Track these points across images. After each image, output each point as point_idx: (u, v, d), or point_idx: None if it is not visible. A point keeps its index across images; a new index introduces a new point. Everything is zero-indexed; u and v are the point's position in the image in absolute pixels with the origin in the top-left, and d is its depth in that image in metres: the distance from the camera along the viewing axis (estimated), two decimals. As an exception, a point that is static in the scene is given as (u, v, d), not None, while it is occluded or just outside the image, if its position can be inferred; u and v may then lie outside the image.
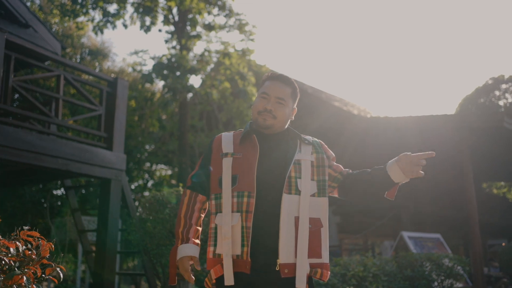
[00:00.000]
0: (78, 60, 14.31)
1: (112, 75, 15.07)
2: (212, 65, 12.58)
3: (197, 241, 2.18)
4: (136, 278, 11.09)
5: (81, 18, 11.85)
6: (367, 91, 54.95)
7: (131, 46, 27.55)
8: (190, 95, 12.00)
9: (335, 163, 2.29)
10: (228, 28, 12.95)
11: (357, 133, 12.53)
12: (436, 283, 7.41)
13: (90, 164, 5.60)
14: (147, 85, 13.60)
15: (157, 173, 17.79)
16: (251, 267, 2.01)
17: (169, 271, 2.18)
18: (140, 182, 17.02)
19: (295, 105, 2.30)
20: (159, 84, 14.66)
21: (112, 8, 11.82)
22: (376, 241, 19.65)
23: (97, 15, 13.99)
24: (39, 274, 2.31)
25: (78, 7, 11.21)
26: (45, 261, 2.36)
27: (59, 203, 11.89)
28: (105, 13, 11.43)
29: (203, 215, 2.26)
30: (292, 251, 2.01)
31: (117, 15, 11.45)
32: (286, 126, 2.28)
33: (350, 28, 56.90)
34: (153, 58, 11.71)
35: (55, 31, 13.68)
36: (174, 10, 12.08)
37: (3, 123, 5.04)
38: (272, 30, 50.80)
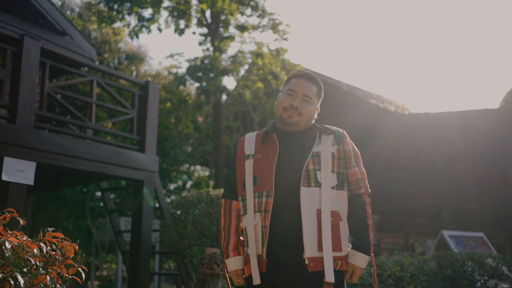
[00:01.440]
0: (116, 65, 14.69)
1: (149, 79, 15.39)
2: (246, 66, 12.63)
3: (237, 251, 2.23)
4: (177, 278, 11.29)
5: (118, 24, 12.16)
6: (407, 88, 53.75)
7: (167, 49, 28.05)
8: (224, 96, 12.08)
9: (350, 170, 2.21)
10: (261, 28, 12.97)
11: (395, 130, 12.28)
12: (479, 284, 7.16)
13: (123, 167, 5.73)
14: (184, 87, 13.80)
15: (196, 174, 18.04)
16: (276, 265, 2.04)
17: (225, 276, 2.31)
18: (180, 183, 17.30)
19: (319, 104, 2.30)
20: (195, 86, 14.87)
21: (147, 13, 12.08)
22: (419, 240, 19.19)
23: (132, 20, 14.37)
24: (64, 274, 2.38)
25: (114, 13, 11.52)
26: (70, 261, 2.43)
27: (100, 204, 12.24)
28: (140, 18, 11.67)
29: (242, 213, 2.29)
30: (316, 244, 2.01)
31: (152, 19, 11.68)
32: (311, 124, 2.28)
33: (387, 23, 55.84)
34: (188, 61, 11.88)
35: (93, 38, 14.11)
36: (207, 13, 12.21)
37: (40, 128, 5.23)
38: (307, 27, 50.51)
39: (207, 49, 12.22)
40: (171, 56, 12.42)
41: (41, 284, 2.25)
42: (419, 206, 11.95)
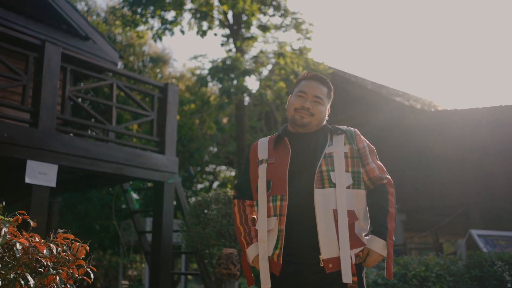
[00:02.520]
0: (141, 68, 14.92)
1: (174, 81, 15.56)
2: (270, 66, 12.62)
3: (257, 238, 2.24)
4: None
5: (141, 27, 12.33)
6: (436, 85, 52.67)
7: (190, 51, 28.34)
8: (246, 97, 12.11)
9: (369, 166, 2.19)
10: (284, 28, 12.93)
11: (422, 128, 12.06)
12: (509, 285, 6.96)
13: (143, 168, 5.81)
14: (208, 88, 13.91)
15: (222, 175, 18.15)
16: (295, 267, 2.04)
17: (245, 274, 2.29)
18: (206, 183, 17.42)
19: (329, 105, 2.31)
20: (218, 87, 14.96)
21: (170, 15, 12.19)
22: (451, 240, 18.77)
23: (156, 23, 14.52)
24: (75, 274, 2.43)
25: (138, 16, 11.68)
26: (81, 262, 2.48)
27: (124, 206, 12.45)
28: (163, 21, 11.80)
29: (256, 216, 2.32)
30: (334, 244, 2.00)
31: (174, 22, 11.79)
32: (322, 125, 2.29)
33: (414, 18, 54.84)
34: (212, 62, 11.96)
35: (119, 41, 14.35)
36: (229, 14, 12.25)
37: (61, 131, 5.35)
38: (331, 25, 50.09)
39: (230, 50, 12.27)
40: (195, 57, 12.52)
41: (54, 284, 2.30)
42: (447, 205, 11.71)
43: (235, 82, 10.16)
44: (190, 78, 15.68)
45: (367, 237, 2.11)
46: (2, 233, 2.23)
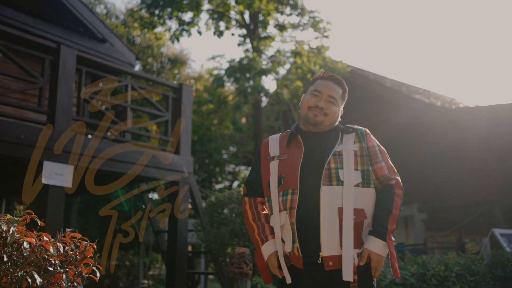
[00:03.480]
0: (160, 69, 15.05)
1: (192, 81, 15.65)
2: (288, 65, 12.59)
3: (273, 235, 2.23)
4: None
5: (159, 29, 12.44)
6: (458, 82, 51.74)
7: (208, 51, 28.49)
8: (263, 97, 12.10)
9: (377, 165, 2.18)
10: (301, 27, 12.89)
11: (443, 126, 11.86)
12: (534, 285, 6.78)
13: (158, 168, 5.86)
14: (225, 88, 13.96)
15: (242, 174, 18.19)
16: (304, 262, 2.04)
17: (261, 273, 2.27)
18: (226, 183, 17.47)
19: (343, 106, 2.31)
20: (235, 87, 15.01)
21: (187, 16, 12.28)
22: (475, 239, 18.40)
23: (173, 24, 14.65)
24: (84, 272, 2.47)
25: (155, 18, 11.79)
26: (89, 261, 2.51)
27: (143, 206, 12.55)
28: (181, 22, 11.89)
29: (268, 213, 2.32)
30: (337, 243, 2.00)
31: (192, 23, 11.87)
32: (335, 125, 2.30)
33: (434, 14, 53.96)
34: (229, 62, 12.00)
35: (137, 43, 14.51)
36: (246, 14, 12.27)
37: (77, 132, 5.43)
38: (348, 23, 49.68)
39: (247, 50, 12.29)
40: (213, 58, 12.59)
41: (62, 282, 2.33)
42: (470, 204, 11.49)
43: (251, 82, 10.17)
44: (208, 79, 15.76)
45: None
46: (10, 232, 2.27)
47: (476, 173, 11.43)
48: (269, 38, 12.04)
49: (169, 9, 11.64)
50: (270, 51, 12.58)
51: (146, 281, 11.99)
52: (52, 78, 5.26)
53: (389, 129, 12.38)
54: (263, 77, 10.65)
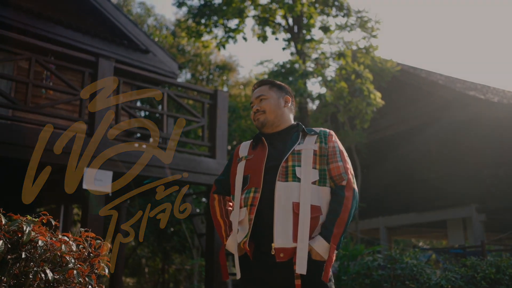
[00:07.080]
0: (209, 76, 15.42)
1: (241, 87, 15.89)
2: (334, 68, 12.49)
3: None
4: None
5: (206, 37, 12.77)
6: (532, 74, 48.66)
7: (256, 57, 28.70)
8: (309, 100, 12.06)
9: (333, 164, 2.22)
10: (349, 28, 12.76)
11: (501, 122, 11.28)
12: None
13: (195, 173, 6.03)
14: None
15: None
16: (254, 255, 2.14)
17: (221, 269, 2.40)
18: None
19: (284, 94, 2.41)
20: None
21: (233, 23, 12.53)
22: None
23: (219, 32, 14.93)
24: (99, 269, 2.64)
25: (202, 27, 12.13)
26: (105, 258, 2.68)
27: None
28: (226, 29, 12.15)
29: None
30: (288, 235, 2.06)
31: (237, 29, 12.09)
32: (292, 122, 2.41)
33: (488, 8, 51.07)
34: (276, 66, 12.09)
35: (187, 52, 14.95)
36: (290, 19, 12.32)
37: (115, 139, 5.72)
38: (396, 21, 48.16)
39: (292, 54, 12.33)
40: (261, 63, 12.74)
41: (81, 279, 2.50)
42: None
43: (293, 85, 10.20)
44: (255, 84, 15.91)
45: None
46: (26, 231, 2.47)
47: (538, 171, 10.77)
48: (313, 40, 12.01)
49: (214, 18, 11.94)
50: (315, 54, 12.52)
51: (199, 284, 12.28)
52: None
53: (441, 129, 11.93)
54: (309, 80, 10.66)
